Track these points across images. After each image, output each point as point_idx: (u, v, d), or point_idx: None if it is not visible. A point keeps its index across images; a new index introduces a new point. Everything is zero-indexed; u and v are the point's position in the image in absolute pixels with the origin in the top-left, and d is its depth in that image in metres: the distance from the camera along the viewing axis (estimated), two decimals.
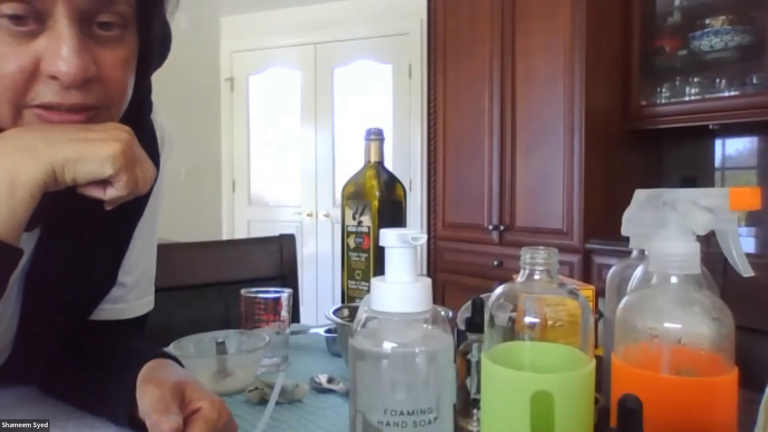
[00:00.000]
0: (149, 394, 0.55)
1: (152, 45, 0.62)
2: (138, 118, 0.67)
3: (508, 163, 2.62)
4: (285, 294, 0.92)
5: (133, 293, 0.76)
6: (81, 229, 0.66)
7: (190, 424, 0.53)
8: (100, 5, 0.53)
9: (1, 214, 0.49)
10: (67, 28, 0.51)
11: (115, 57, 0.55)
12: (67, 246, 0.66)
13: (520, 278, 0.47)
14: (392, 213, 1.03)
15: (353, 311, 0.90)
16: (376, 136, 1.05)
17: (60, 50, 0.51)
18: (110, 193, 0.54)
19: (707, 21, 2.32)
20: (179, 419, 0.52)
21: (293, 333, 1.00)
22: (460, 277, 2.81)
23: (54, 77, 0.52)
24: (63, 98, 0.53)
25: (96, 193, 0.54)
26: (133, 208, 0.73)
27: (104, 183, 0.53)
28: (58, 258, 0.66)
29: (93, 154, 0.52)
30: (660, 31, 2.52)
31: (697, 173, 2.60)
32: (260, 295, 0.90)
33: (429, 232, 2.95)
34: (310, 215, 4.02)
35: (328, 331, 0.99)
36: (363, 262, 1.02)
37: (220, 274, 1.27)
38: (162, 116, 0.76)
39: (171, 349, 0.75)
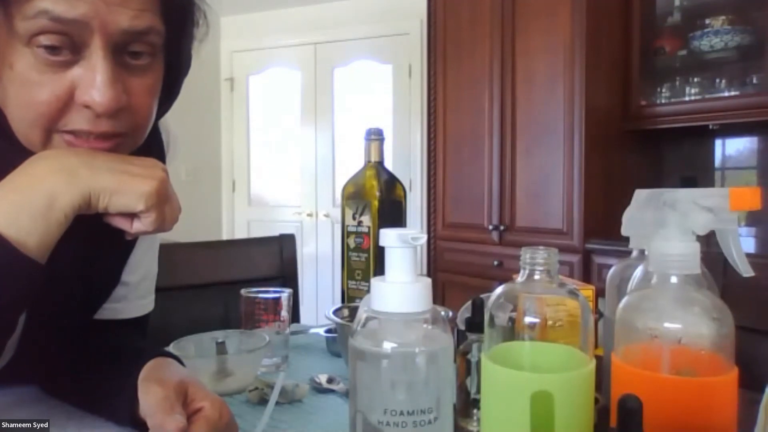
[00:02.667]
0: (153, 393, 0.55)
1: (179, 71, 0.63)
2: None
3: (508, 163, 2.62)
4: (285, 294, 0.92)
5: (135, 293, 0.76)
6: (87, 228, 0.67)
7: (191, 423, 0.53)
8: (135, 36, 0.54)
9: (35, 232, 0.50)
10: (101, 60, 0.52)
11: (143, 85, 0.57)
12: (72, 245, 0.67)
13: (520, 278, 0.47)
14: (392, 213, 1.03)
15: (353, 311, 0.90)
16: (376, 136, 1.05)
17: (94, 81, 0.52)
18: (136, 227, 0.55)
19: (707, 21, 2.32)
20: (183, 419, 0.52)
21: (293, 333, 1.00)
22: (460, 277, 2.81)
23: (87, 106, 0.53)
24: (94, 126, 0.54)
25: (123, 224, 0.55)
26: None
27: (132, 216, 0.55)
28: (63, 257, 0.66)
29: (130, 188, 0.53)
30: (660, 31, 2.52)
31: (697, 173, 2.60)
32: (260, 295, 0.90)
33: (429, 232, 2.95)
34: (310, 215, 4.02)
35: (328, 331, 0.99)
36: (363, 262, 1.02)
37: (220, 274, 1.27)
38: (166, 118, 0.77)
39: (171, 349, 0.75)
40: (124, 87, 0.55)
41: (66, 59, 0.52)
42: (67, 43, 0.52)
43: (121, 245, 0.72)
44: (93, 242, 0.68)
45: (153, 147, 0.74)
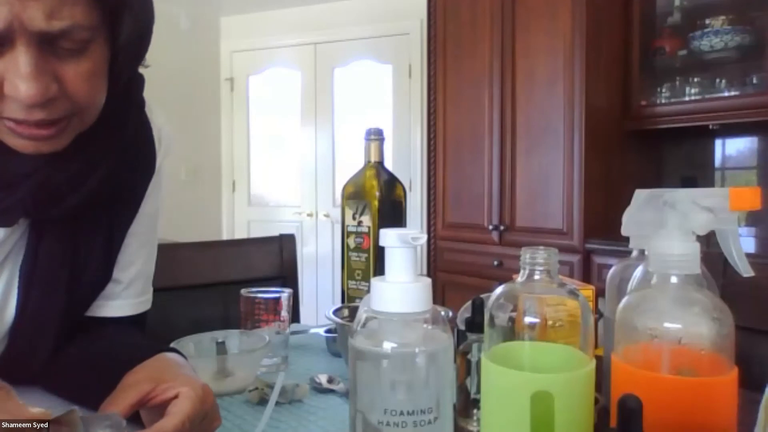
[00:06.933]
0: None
1: (122, 50, 0.61)
2: (121, 115, 0.67)
3: (508, 163, 2.62)
4: (285, 294, 0.92)
5: (128, 291, 0.76)
6: (73, 223, 0.67)
7: (172, 404, 0.53)
8: (56, 36, 0.53)
9: None
10: (24, 54, 0.52)
11: (78, 71, 0.56)
12: (58, 240, 0.67)
13: (520, 278, 0.47)
14: (392, 213, 1.03)
15: (353, 311, 0.90)
16: (376, 136, 1.05)
17: (18, 74, 0.52)
18: None
19: (707, 21, 2.32)
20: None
21: (293, 333, 1.00)
22: (460, 277, 2.81)
23: (15, 99, 0.53)
24: (28, 115, 0.54)
25: None
26: (129, 205, 0.73)
27: None
28: (50, 252, 0.67)
29: None
30: (660, 31, 2.52)
31: (697, 173, 2.60)
32: (260, 295, 0.90)
33: (429, 232, 2.95)
34: (310, 215, 4.02)
35: (328, 331, 0.99)
36: (363, 262, 1.02)
37: (220, 274, 1.27)
38: (159, 116, 0.76)
39: None
40: (56, 75, 0.54)
41: None
42: None
43: (108, 241, 0.72)
44: (78, 237, 0.68)
45: (143, 144, 0.74)
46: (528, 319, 0.46)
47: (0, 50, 0.52)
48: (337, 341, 0.92)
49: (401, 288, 0.45)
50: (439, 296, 2.86)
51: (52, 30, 0.52)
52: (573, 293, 0.46)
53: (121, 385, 0.57)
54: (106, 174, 0.65)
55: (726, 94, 2.30)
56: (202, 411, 0.54)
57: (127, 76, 0.64)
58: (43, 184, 0.61)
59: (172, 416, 0.52)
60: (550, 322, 0.46)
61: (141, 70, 0.69)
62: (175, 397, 0.54)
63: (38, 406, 0.68)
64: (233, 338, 0.86)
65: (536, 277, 0.46)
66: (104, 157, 0.65)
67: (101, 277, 0.72)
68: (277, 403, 0.68)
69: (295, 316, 1.16)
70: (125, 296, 0.76)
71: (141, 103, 0.72)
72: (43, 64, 0.53)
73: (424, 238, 0.46)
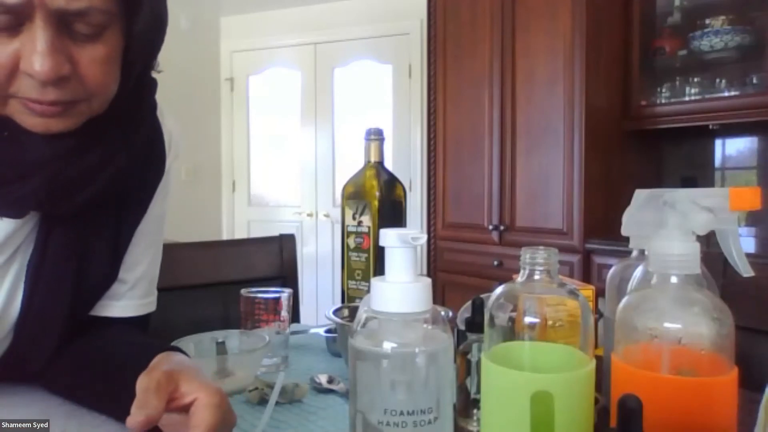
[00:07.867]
0: (138, 384, 0.54)
1: (137, 40, 0.62)
2: (134, 115, 0.68)
3: (508, 163, 2.62)
4: (285, 294, 0.92)
5: (133, 291, 0.76)
6: (82, 221, 0.67)
7: (192, 415, 0.53)
8: (74, 15, 0.54)
9: None
10: (41, 30, 0.53)
11: (92, 55, 0.57)
12: (67, 237, 0.67)
13: (520, 278, 0.47)
14: (392, 213, 1.03)
15: (353, 311, 0.90)
16: (376, 136, 1.05)
17: (34, 51, 0.54)
18: None
19: (707, 21, 2.32)
20: (153, 411, 0.50)
21: (293, 333, 1.00)
22: (460, 277, 2.81)
23: (30, 75, 0.55)
24: (41, 94, 0.56)
25: None
26: (138, 205, 0.74)
27: None
28: (58, 248, 0.67)
29: None
30: (660, 31, 2.52)
31: (697, 173, 2.60)
32: (260, 295, 0.90)
33: (429, 232, 2.95)
34: (310, 215, 4.02)
35: (328, 331, 0.99)
36: (363, 262, 1.02)
37: (220, 274, 1.27)
38: (169, 119, 0.77)
39: None
40: (70, 57, 0.56)
41: (10, 32, 0.54)
42: (11, 20, 0.53)
43: (116, 239, 0.72)
44: (87, 234, 0.68)
45: (154, 146, 0.74)
46: (528, 319, 0.46)
47: (19, 28, 0.54)
48: (337, 341, 0.92)
49: (401, 288, 0.45)
50: (439, 296, 2.86)
51: (70, 9, 0.53)
52: (573, 293, 0.46)
53: (144, 387, 0.54)
54: (118, 172, 0.66)
55: (726, 94, 2.30)
56: (222, 416, 0.54)
57: (139, 69, 0.65)
58: (55, 176, 0.61)
59: (196, 429, 0.52)
60: (550, 322, 0.46)
61: (153, 74, 0.70)
62: (191, 403, 0.54)
63: (36, 406, 0.69)
64: (233, 338, 0.86)
65: (536, 277, 0.46)
66: (116, 155, 0.66)
67: (107, 275, 0.73)
68: (277, 403, 0.68)
69: (295, 316, 1.15)
70: (130, 297, 0.76)
71: (153, 106, 0.73)
72: (59, 44, 0.54)
73: (424, 238, 0.46)
